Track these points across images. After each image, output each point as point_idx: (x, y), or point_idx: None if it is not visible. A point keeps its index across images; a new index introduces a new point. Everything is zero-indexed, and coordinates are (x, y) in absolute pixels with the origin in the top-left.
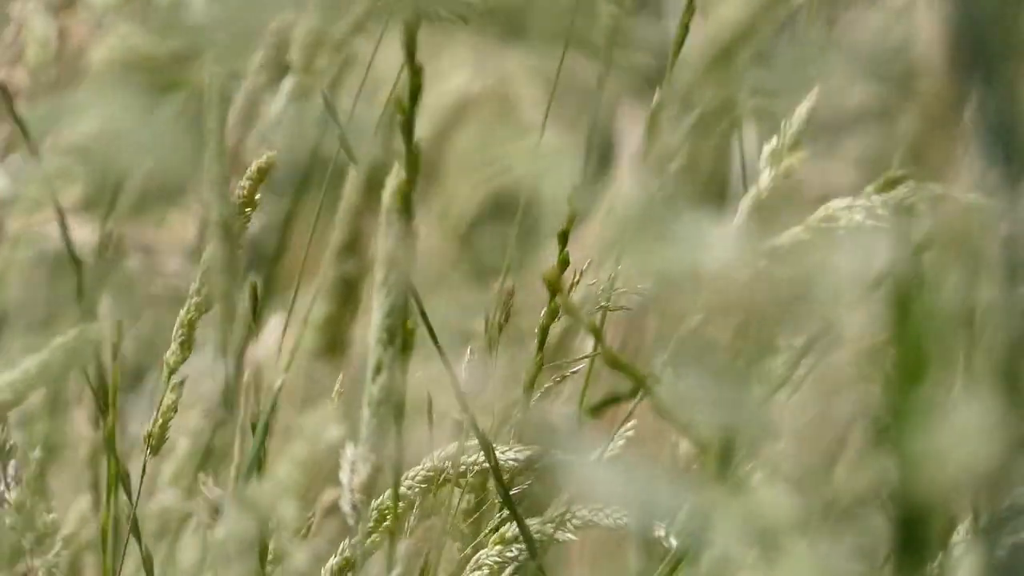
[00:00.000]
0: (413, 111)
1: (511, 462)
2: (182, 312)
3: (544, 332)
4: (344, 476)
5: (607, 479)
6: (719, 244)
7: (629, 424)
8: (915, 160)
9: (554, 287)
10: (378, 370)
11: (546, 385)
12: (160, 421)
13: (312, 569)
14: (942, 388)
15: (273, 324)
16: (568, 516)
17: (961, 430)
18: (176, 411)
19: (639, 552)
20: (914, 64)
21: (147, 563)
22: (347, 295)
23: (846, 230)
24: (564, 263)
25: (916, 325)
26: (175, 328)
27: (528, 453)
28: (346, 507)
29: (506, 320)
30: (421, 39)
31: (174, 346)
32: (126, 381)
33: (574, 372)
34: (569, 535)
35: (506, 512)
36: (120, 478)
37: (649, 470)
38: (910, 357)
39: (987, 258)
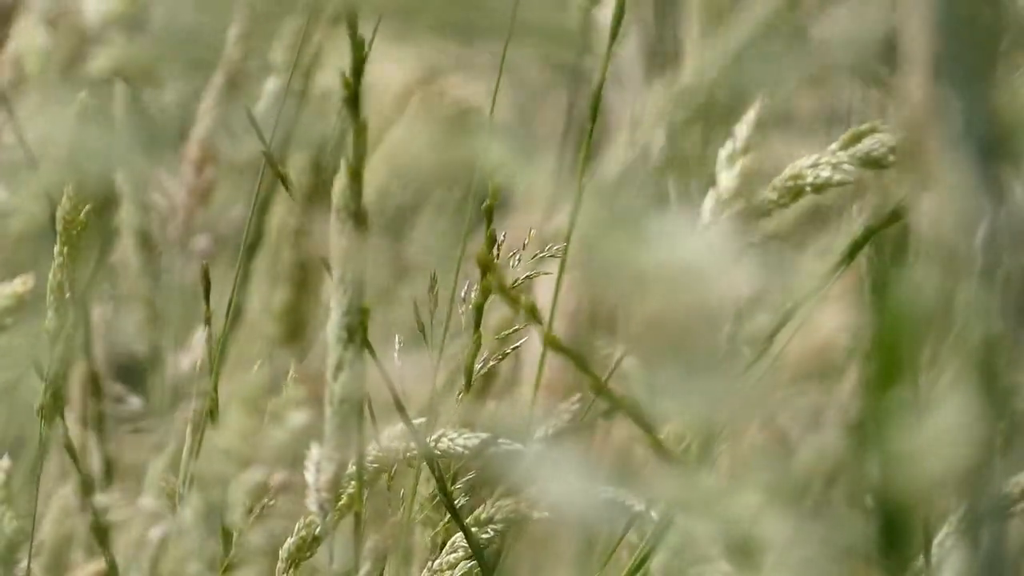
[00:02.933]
0: (358, 86)
1: (459, 449)
2: (50, 277)
3: (478, 311)
4: (310, 476)
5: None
6: (686, 240)
7: (572, 399)
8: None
9: (486, 266)
10: (339, 368)
11: (490, 363)
12: (51, 390)
13: (269, 548)
14: (921, 386)
15: (199, 335)
16: (539, 497)
17: (940, 428)
18: (66, 379)
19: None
20: (894, 58)
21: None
22: (303, 282)
23: (813, 187)
24: (491, 240)
25: (894, 322)
26: (47, 294)
27: (475, 440)
28: (313, 507)
29: (435, 306)
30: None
31: (50, 313)
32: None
33: (515, 348)
34: (545, 513)
35: (475, 497)
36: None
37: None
38: (888, 355)
39: (964, 253)
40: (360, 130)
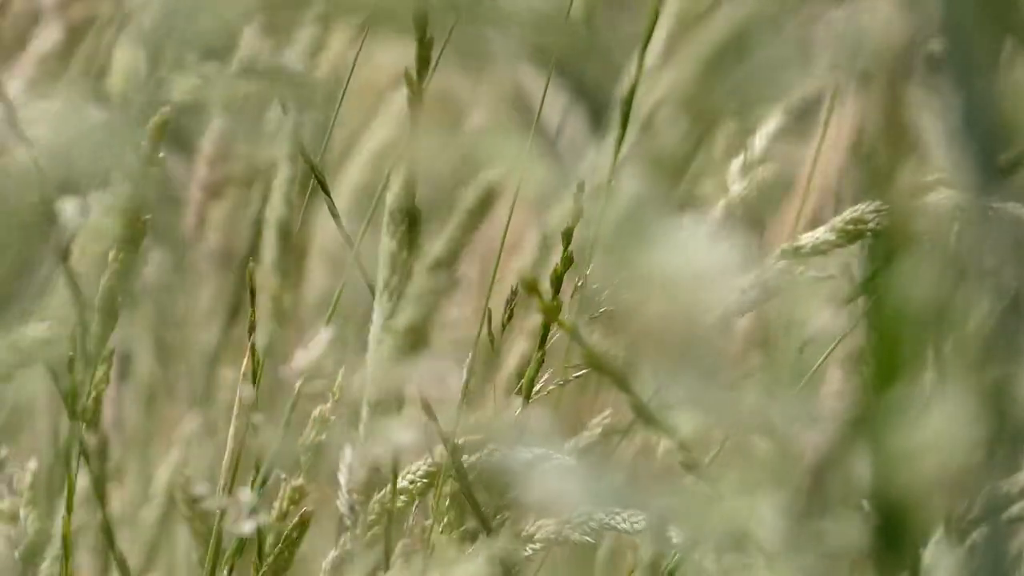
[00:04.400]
0: (423, 82)
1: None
2: (103, 279)
3: (546, 329)
4: (342, 477)
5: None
6: (709, 251)
7: (603, 414)
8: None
9: (532, 287)
10: (376, 370)
11: (548, 388)
12: (93, 395)
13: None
14: (919, 386)
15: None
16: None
17: (938, 428)
18: (108, 382)
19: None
20: (884, 59)
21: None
22: (434, 303)
23: (874, 233)
24: (568, 261)
25: (892, 324)
26: (97, 297)
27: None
28: (344, 508)
29: (510, 319)
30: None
31: (98, 317)
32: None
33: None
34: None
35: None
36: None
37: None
38: (887, 356)
39: (961, 256)
40: (417, 120)
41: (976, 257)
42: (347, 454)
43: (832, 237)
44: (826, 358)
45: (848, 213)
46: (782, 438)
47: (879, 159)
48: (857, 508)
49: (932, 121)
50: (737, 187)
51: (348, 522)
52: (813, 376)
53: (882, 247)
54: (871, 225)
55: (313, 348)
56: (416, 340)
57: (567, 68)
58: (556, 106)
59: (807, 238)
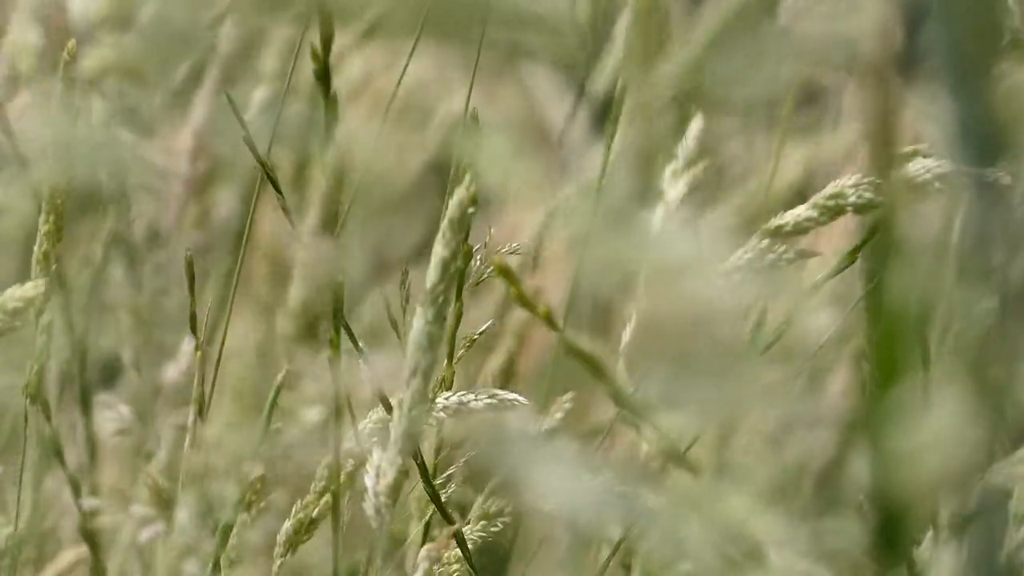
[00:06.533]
0: (327, 59)
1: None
2: (35, 248)
3: (460, 276)
4: (369, 480)
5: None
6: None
7: (566, 397)
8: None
9: (505, 272)
10: (414, 374)
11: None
12: (35, 367)
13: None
14: (918, 387)
15: (186, 346)
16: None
17: (937, 429)
18: (50, 357)
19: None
20: (873, 53)
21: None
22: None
23: (854, 207)
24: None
25: (891, 324)
26: (32, 266)
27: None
28: (370, 511)
29: (407, 301)
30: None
31: (37, 283)
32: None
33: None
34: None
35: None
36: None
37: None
38: (886, 356)
39: (958, 253)
40: (332, 105)
41: (973, 251)
42: (375, 456)
43: (814, 214)
44: (824, 356)
45: (828, 188)
46: (781, 436)
47: (875, 153)
48: (857, 508)
49: (928, 123)
50: (673, 193)
51: (374, 524)
52: (813, 374)
53: (880, 243)
54: (851, 200)
55: (180, 360)
56: (313, 318)
57: (572, 66)
58: (561, 104)
59: (789, 216)
